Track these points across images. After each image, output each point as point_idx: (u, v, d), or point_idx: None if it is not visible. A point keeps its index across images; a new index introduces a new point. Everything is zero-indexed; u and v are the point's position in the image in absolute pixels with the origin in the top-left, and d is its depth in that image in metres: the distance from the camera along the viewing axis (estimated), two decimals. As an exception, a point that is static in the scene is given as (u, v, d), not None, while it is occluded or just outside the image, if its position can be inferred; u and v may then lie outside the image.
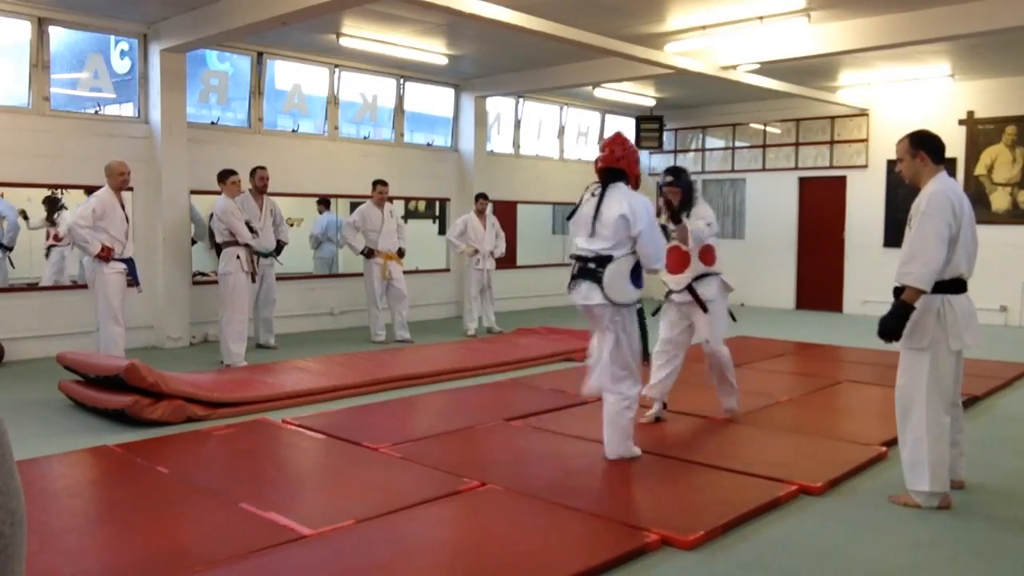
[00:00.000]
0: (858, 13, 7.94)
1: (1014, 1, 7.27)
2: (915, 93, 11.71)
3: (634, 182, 4.54)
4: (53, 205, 9.88)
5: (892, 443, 4.46)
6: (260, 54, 9.57)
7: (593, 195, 4.48)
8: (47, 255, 9.88)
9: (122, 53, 8.78)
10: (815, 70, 10.36)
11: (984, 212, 10.69)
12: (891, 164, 10.30)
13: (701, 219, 5.18)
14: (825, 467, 4.39)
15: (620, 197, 4.37)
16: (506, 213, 11.92)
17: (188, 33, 8.05)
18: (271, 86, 9.87)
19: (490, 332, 9.95)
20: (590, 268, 4.40)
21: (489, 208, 10.08)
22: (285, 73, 10.10)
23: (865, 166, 12.42)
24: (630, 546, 3.31)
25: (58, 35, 8.20)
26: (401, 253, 9.27)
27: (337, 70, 10.35)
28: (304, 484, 4.36)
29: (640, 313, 4.48)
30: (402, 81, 11.15)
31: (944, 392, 3.88)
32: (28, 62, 7.92)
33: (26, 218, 9.86)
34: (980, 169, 11.36)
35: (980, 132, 11.34)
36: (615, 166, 4.49)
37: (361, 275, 9.53)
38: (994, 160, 11.29)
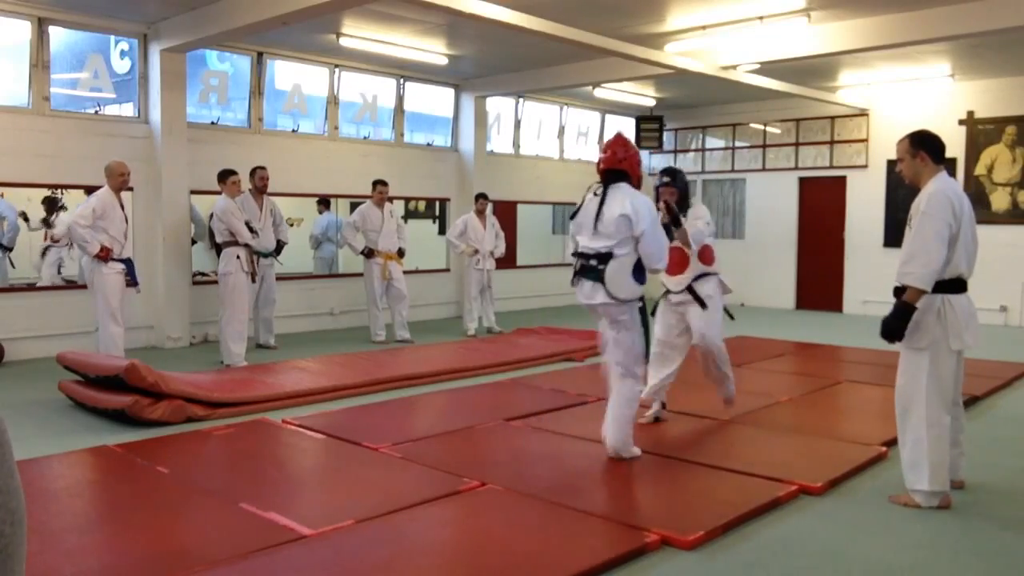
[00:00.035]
0: (858, 13, 7.94)
1: (1014, 1, 7.27)
2: (915, 93, 11.71)
3: (636, 183, 4.54)
4: (53, 205, 9.89)
5: (892, 443, 4.46)
6: (260, 54, 9.57)
7: (596, 195, 4.48)
8: (43, 255, 9.89)
9: (122, 53, 8.78)
10: (815, 70, 10.36)
11: (984, 212, 10.69)
12: (891, 164, 10.29)
13: (699, 219, 5.19)
14: (825, 467, 4.40)
15: (622, 197, 4.38)
16: (506, 213, 11.92)
17: (188, 33, 8.05)
18: (271, 86, 9.87)
19: (490, 332, 9.94)
20: (592, 265, 4.41)
21: (489, 208, 10.09)
22: (285, 73, 10.10)
23: (865, 166, 12.42)
24: (630, 546, 3.31)
25: (58, 35, 8.19)
26: (401, 253, 9.27)
27: (337, 70, 10.35)
28: (304, 484, 4.36)
29: (643, 311, 4.50)
30: (402, 81, 11.14)
31: (944, 392, 3.88)
32: (28, 62, 7.92)
33: (26, 219, 9.87)
34: (980, 169, 11.36)
35: (980, 132, 11.34)
36: (618, 167, 4.49)
37: (361, 275, 9.53)
38: (994, 160, 11.29)
